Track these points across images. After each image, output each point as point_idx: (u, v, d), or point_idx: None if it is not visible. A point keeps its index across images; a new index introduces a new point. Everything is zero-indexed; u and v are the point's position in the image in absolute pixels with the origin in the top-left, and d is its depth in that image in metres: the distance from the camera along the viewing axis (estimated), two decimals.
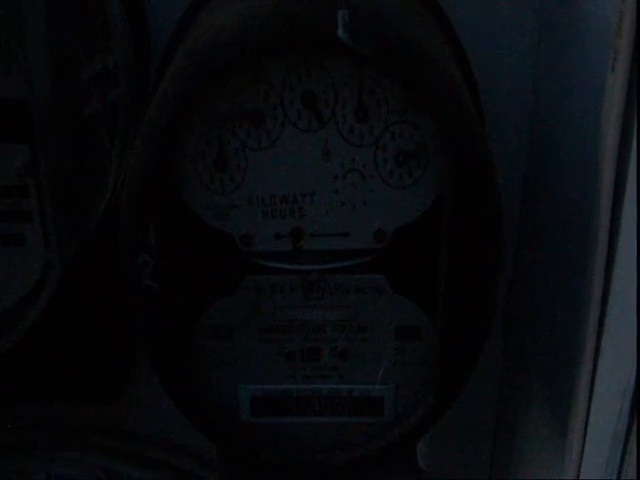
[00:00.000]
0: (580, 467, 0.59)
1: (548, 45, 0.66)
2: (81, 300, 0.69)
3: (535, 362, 0.71)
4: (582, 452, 0.59)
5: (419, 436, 0.57)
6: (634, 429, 0.51)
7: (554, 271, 0.66)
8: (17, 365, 0.69)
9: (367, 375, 0.56)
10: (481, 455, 0.82)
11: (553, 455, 0.64)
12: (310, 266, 0.54)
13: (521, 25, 0.67)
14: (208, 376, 0.56)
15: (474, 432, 0.81)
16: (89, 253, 0.64)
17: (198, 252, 0.53)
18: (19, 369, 0.71)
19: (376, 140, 0.51)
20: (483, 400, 0.79)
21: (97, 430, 0.79)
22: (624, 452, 0.52)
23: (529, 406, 0.72)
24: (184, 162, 0.51)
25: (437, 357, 0.55)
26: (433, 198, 0.52)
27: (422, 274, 0.54)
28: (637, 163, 0.50)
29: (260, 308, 0.55)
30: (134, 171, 0.51)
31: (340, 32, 0.47)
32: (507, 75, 0.68)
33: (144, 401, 0.78)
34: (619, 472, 0.53)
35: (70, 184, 0.60)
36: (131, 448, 0.80)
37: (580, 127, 0.59)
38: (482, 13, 0.66)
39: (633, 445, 0.51)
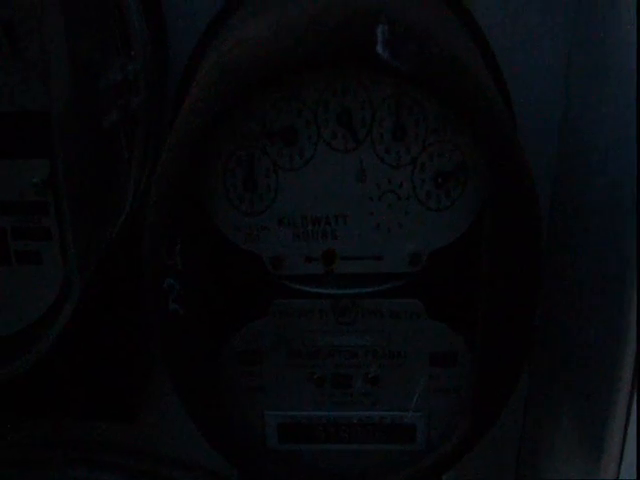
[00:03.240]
0: None
1: (579, 55, 0.64)
2: (98, 317, 0.67)
3: (566, 379, 0.69)
4: (618, 474, 0.58)
5: (453, 464, 0.56)
6: None
7: (585, 280, 0.64)
8: (32, 382, 0.67)
9: (400, 402, 0.55)
10: (505, 475, 0.80)
11: (585, 475, 0.63)
12: (342, 290, 0.52)
13: (552, 35, 0.65)
14: (235, 402, 0.55)
15: (498, 451, 0.79)
16: (107, 269, 0.62)
17: (226, 275, 0.51)
18: (33, 386, 0.69)
19: (413, 160, 0.49)
20: (508, 419, 0.77)
21: (111, 448, 0.77)
22: None
23: (557, 425, 0.70)
24: (212, 181, 0.49)
25: (473, 383, 0.53)
26: (471, 220, 0.50)
27: (458, 298, 0.52)
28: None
29: (289, 333, 0.53)
30: (160, 189, 0.48)
31: (380, 48, 0.45)
32: (538, 86, 0.66)
33: (159, 420, 0.77)
34: None
35: (89, 198, 0.58)
36: (144, 467, 0.78)
37: (611, 137, 0.57)
38: (511, 23, 0.64)
39: None
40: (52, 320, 0.58)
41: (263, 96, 0.47)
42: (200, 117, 0.47)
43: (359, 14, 0.45)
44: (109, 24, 0.59)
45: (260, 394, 0.55)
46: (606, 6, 0.58)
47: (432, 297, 0.52)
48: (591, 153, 0.62)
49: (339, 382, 0.54)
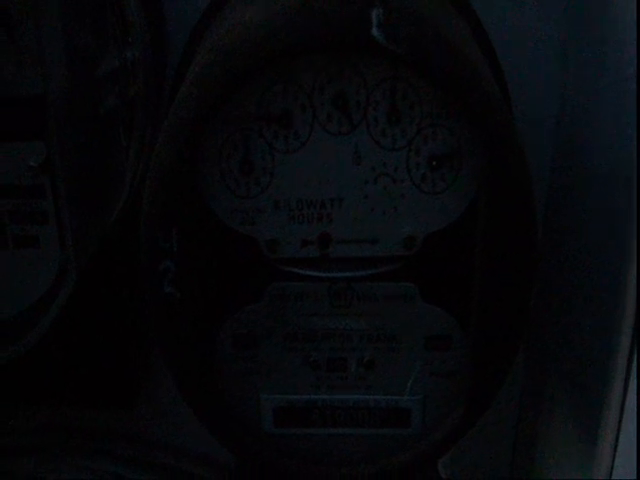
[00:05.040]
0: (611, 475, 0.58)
1: (576, 49, 0.64)
2: (95, 303, 0.67)
3: (561, 369, 0.69)
4: (613, 463, 0.58)
5: (447, 448, 0.56)
6: None
7: (581, 275, 0.64)
8: (28, 368, 0.67)
9: (395, 386, 0.55)
10: (501, 464, 0.80)
11: (580, 465, 0.63)
12: (337, 273, 0.52)
13: (548, 29, 0.65)
14: (230, 386, 0.55)
15: (494, 441, 0.79)
16: (104, 255, 0.62)
17: (222, 258, 0.51)
18: (30, 372, 0.69)
19: (409, 143, 0.49)
20: (503, 408, 0.77)
21: (108, 436, 0.77)
22: None
23: (553, 414, 0.70)
24: (208, 164, 0.49)
25: (468, 367, 0.53)
26: (466, 204, 0.50)
27: (453, 282, 0.52)
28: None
29: (285, 316, 0.53)
30: (156, 173, 0.49)
31: (375, 31, 0.45)
32: (534, 79, 0.66)
33: (155, 407, 0.76)
34: None
35: (86, 183, 0.58)
36: (142, 454, 0.78)
37: (608, 133, 0.57)
38: (508, 16, 0.64)
39: None
40: (48, 305, 0.58)
41: (258, 80, 0.47)
42: (195, 101, 0.47)
43: None
44: (106, 10, 0.59)
45: (256, 378, 0.55)
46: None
47: (427, 280, 0.52)
48: (588, 148, 0.62)
49: (335, 366, 0.54)
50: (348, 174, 0.49)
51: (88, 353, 0.69)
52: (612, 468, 0.57)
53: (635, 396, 0.53)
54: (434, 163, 0.49)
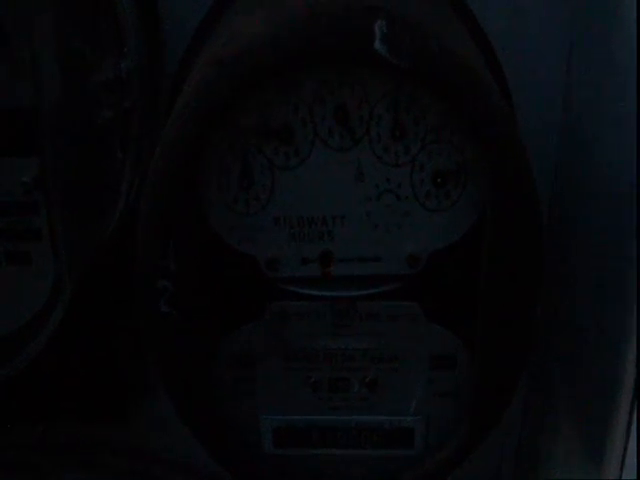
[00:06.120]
0: None
1: (579, 57, 0.63)
2: (89, 319, 0.65)
3: (565, 378, 0.68)
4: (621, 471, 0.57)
5: (452, 469, 0.55)
6: None
7: (585, 284, 0.63)
8: (24, 384, 0.66)
9: (398, 406, 0.53)
10: (504, 475, 0.79)
11: (585, 476, 0.62)
12: (339, 292, 0.51)
13: (551, 36, 0.63)
14: (229, 406, 0.53)
15: (496, 455, 0.78)
16: (99, 270, 0.61)
17: (220, 276, 0.50)
18: (26, 388, 0.67)
19: (412, 159, 0.48)
20: (506, 418, 0.76)
21: (104, 449, 0.76)
22: None
23: (556, 429, 0.69)
24: (206, 180, 0.48)
25: (473, 387, 0.52)
26: (471, 222, 0.49)
27: (457, 301, 0.51)
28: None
29: (285, 336, 0.51)
30: (152, 188, 0.47)
31: (378, 45, 0.43)
32: (536, 88, 0.65)
33: (151, 420, 0.75)
34: None
35: (81, 198, 0.57)
36: (138, 467, 0.77)
37: (611, 139, 0.56)
38: (511, 25, 0.63)
39: None
40: (43, 322, 0.57)
41: (258, 92, 0.46)
42: (194, 114, 0.45)
43: (357, 9, 0.44)
44: (101, 20, 0.58)
45: (255, 398, 0.53)
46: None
47: (431, 300, 0.51)
48: (592, 149, 0.61)
49: (337, 386, 0.53)
50: (350, 191, 0.48)
51: (83, 367, 0.68)
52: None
53: None
54: (439, 180, 0.48)
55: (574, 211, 0.65)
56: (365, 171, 0.48)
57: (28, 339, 0.58)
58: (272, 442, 0.54)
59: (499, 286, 0.49)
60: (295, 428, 0.54)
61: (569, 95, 0.65)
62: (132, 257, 0.49)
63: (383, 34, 0.43)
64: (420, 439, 0.54)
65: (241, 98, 0.45)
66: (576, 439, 0.65)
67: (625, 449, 0.55)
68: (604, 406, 0.57)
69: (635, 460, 0.50)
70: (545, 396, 0.72)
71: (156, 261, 0.48)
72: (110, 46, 0.59)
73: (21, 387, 0.64)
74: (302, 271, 0.50)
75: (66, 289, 0.56)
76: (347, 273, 0.50)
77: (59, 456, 0.76)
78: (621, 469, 0.56)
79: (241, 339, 0.52)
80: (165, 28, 0.63)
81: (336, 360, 0.52)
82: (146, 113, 0.62)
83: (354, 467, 0.55)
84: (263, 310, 0.51)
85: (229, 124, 0.46)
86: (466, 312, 0.50)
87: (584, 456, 0.62)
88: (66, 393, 0.69)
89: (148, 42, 0.61)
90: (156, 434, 0.77)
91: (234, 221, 0.49)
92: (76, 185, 0.56)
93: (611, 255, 0.56)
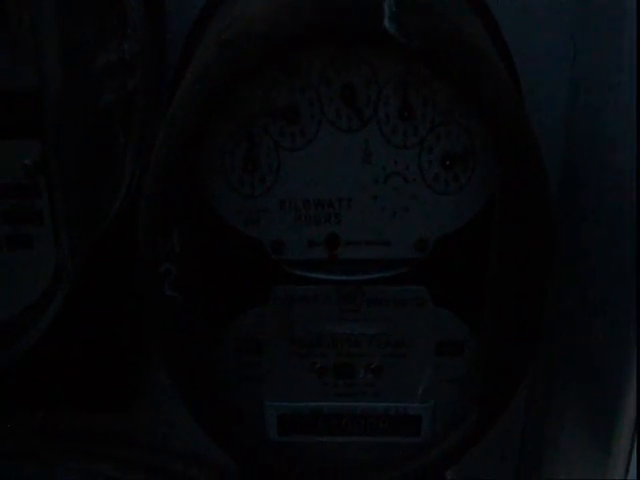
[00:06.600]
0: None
1: (584, 50, 0.63)
2: (91, 306, 0.65)
3: (571, 370, 0.67)
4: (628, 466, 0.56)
5: (459, 457, 0.54)
6: None
7: (591, 278, 0.63)
8: (25, 371, 0.65)
9: (404, 393, 0.53)
10: (508, 467, 0.78)
11: (593, 471, 0.61)
12: (346, 276, 0.50)
13: (557, 28, 0.63)
14: (233, 392, 0.53)
15: (501, 443, 0.77)
16: (102, 255, 0.60)
17: (225, 260, 0.49)
18: (27, 375, 0.67)
19: (421, 141, 0.47)
20: (510, 410, 0.75)
21: (105, 439, 0.76)
22: None
23: (562, 420, 0.69)
24: (211, 162, 0.47)
25: (480, 373, 0.51)
26: (480, 205, 0.48)
27: (466, 286, 0.50)
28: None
29: (291, 320, 0.51)
30: (156, 170, 0.46)
31: (387, 23, 0.43)
32: (544, 76, 0.65)
33: (153, 409, 0.75)
34: None
35: (83, 181, 0.56)
36: (140, 457, 0.76)
37: (616, 134, 0.55)
38: (518, 16, 0.62)
39: None
40: (44, 307, 0.56)
41: (264, 73, 0.45)
42: (198, 96, 0.45)
43: None
44: (104, 2, 0.57)
45: (260, 384, 0.53)
46: None
47: (439, 284, 0.50)
48: (598, 146, 0.60)
49: (342, 372, 0.52)
50: (357, 173, 0.47)
51: (85, 355, 0.67)
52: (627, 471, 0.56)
53: None
54: (447, 162, 0.47)
55: (582, 207, 0.65)
56: (373, 153, 0.47)
57: (29, 324, 0.57)
58: (277, 429, 0.54)
59: (508, 270, 0.48)
60: (300, 415, 0.54)
61: (575, 85, 0.64)
62: (135, 241, 0.48)
63: (392, 12, 0.43)
64: (427, 426, 0.54)
65: (245, 79, 0.44)
66: (583, 429, 0.65)
67: (633, 439, 0.55)
68: (611, 395, 0.56)
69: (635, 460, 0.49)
70: (549, 388, 0.72)
71: (159, 244, 0.47)
72: (113, 28, 0.58)
73: (21, 374, 0.64)
74: (308, 254, 0.49)
75: (67, 274, 0.55)
76: (354, 257, 0.49)
77: (59, 444, 0.75)
78: (628, 463, 0.55)
79: (246, 323, 0.51)
80: (169, 10, 0.62)
81: (342, 345, 0.52)
82: (149, 96, 0.61)
83: (359, 455, 0.55)
84: (268, 294, 0.50)
85: (234, 105, 0.46)
86: (474, 297, 0.50)
87: (590, 448, 0.62)
88: (66, 381, 0.68)
89: (151, 24, 0.60)
90: (157, 423, 0.77)
91: (239, 204, 0.48)
92: (78, 168, 0.55)
93: (617, 251, 0.56)
